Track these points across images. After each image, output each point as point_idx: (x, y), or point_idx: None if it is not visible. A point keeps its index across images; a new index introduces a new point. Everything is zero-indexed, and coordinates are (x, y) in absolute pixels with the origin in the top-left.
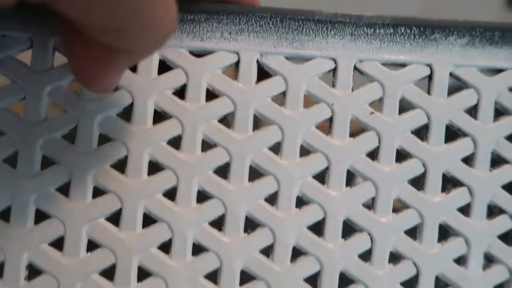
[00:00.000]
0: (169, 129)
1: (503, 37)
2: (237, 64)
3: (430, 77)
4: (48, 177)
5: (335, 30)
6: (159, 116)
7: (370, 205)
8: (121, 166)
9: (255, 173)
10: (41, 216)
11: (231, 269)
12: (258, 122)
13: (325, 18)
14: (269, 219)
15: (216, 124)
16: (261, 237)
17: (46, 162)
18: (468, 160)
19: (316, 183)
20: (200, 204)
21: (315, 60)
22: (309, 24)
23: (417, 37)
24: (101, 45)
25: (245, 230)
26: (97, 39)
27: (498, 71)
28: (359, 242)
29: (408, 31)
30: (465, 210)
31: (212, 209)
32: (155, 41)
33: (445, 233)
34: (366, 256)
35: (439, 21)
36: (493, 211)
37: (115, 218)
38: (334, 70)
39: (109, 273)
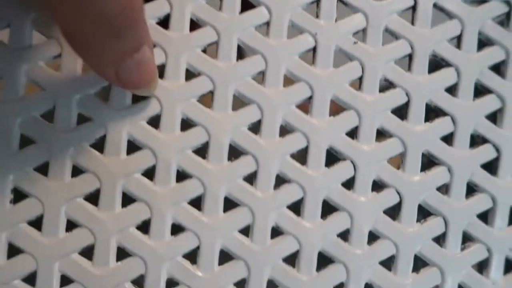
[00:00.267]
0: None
1: None
2: None
3: (413, 8)
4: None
5: None
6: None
7: (353, 134)
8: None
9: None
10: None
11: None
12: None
13: None
14: (252, 147)
15: (200, 53)
16: (244, 165)
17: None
18: (451, 90)
19: (299, 112)
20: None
21: None
22: None
23: None
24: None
25: (229, 158)
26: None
27: (482, 1)
28: (342, 170)
29: None
30: (448, 139)
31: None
32: None
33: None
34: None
35: None
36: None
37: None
38: (318, 1)
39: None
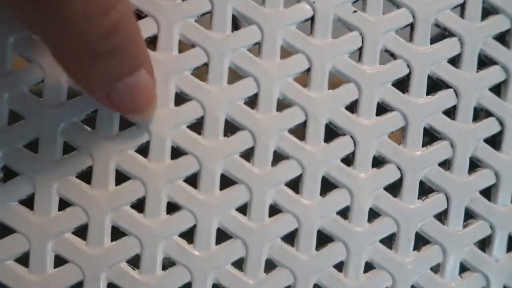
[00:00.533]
0: None
1: None
2: None
3: None
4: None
5: None
6: None
7: (353, 108)
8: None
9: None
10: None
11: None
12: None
13: None
14: (249, 122)
15: (193, 23)
16: (241, 141)
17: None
18: (454, 62)
19: (297, 85)
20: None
21: None
22: None
23: None
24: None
25: (225, 134)
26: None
27: None
28: (342, 146)
29: None
30: (450, 112)
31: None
32: None
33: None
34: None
35: None
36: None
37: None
38: None
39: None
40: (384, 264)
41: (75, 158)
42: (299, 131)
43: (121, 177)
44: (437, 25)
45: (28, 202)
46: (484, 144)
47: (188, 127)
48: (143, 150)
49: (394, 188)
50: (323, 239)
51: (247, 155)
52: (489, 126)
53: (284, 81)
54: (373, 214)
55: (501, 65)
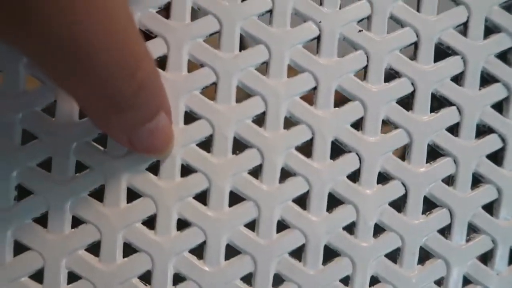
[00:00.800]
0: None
1: None
2: None
3: None
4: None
5: None
6: None
7: (358, 126)
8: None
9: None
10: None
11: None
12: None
13: None
14: (257, 140)
15: (202, 43)
16: (249, 158)
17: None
18: (457, 80)
19: (303, 103)
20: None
21: None
22: None
23: None
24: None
25: (234, 152)
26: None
27: None
28: (348, 162)
29: None
30: (453, 129)
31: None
32: None
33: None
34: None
35: None
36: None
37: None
38: None
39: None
40: (389, 278)
41: (87, 176)
42: (306, 149)
43: (132, 195)
44: (440, 43)
45: (42, 220)
46: (486, 160)
47: (197, 145)
48: (154, 168)
49: (398, 204)
50: (330, 254)
51: (255, 172)
52: (491, 143)
53: (291, 99)
54: (378, 230)
55: (503, 83)
